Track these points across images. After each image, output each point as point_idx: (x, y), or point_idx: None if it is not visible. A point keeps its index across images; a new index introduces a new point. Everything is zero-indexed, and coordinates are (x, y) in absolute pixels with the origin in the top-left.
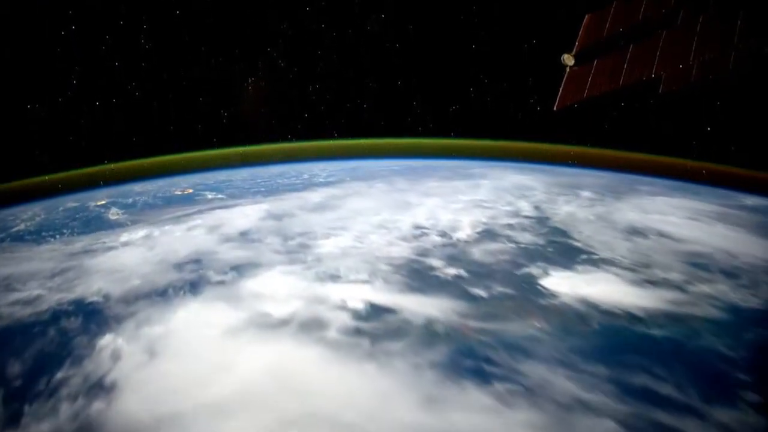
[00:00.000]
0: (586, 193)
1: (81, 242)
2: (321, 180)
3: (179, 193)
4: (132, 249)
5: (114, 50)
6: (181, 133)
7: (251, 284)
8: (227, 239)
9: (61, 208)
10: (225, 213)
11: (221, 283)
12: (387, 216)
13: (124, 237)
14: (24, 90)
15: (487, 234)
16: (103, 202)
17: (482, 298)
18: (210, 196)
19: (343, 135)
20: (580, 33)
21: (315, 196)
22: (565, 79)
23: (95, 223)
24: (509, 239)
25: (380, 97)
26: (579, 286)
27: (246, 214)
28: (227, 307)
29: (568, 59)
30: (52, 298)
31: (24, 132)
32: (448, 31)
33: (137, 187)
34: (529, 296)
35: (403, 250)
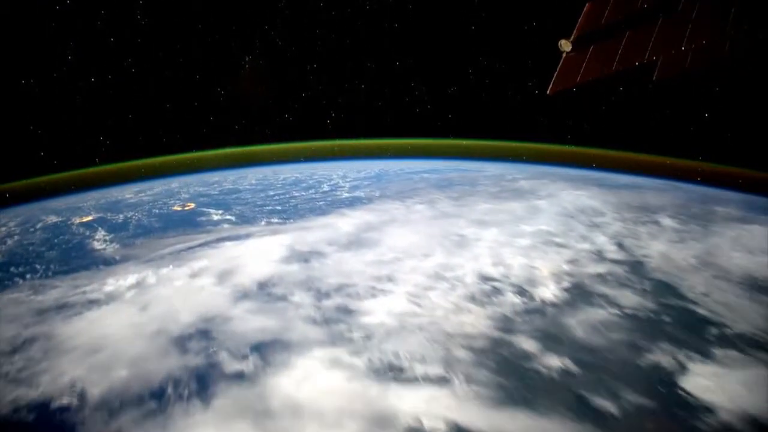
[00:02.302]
0: (666, 221)
1: (55, 290)
2: (345, 195)
3: (179, 209)
4: (119, 307)
5: (110, 26)
6: (181, 130)
7: (283, 384)
8: (243, 294)
9: (40, 224)
10: (237, 248)
11: (239, 377)
12: (442, 258)
13: (110, 284)
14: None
15: (578, 292)
16: (90, 218)
17: (612, 416)
18: (216, 217)
19: (344, 132)
20: (579, 20)
21: (345, 223)
22: (560, 64)
23: (76, 255)
24: (608, 301)
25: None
26: (738, 393)
27: (264, 252)
28: None
29: (566, 45)
30: (7, 396)
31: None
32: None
33: (130, 192)
34: (675, 411)
35: (478, 321)
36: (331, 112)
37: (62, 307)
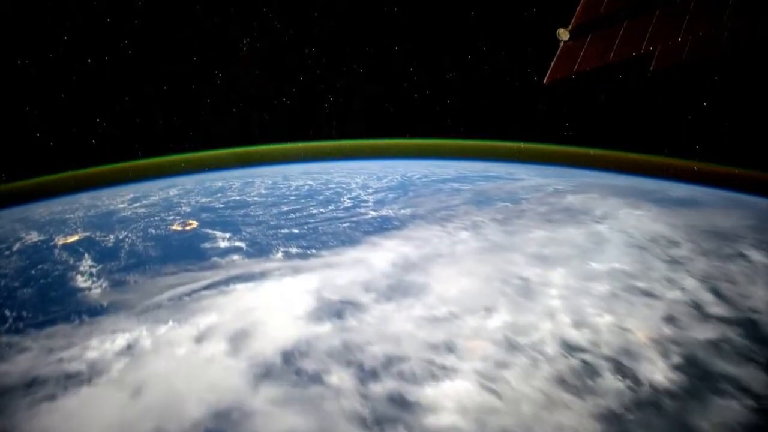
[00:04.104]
0: (753, 254)
1: (25, 354)
2: (372, 213)
3: (178, 228)
4: (104, 390)
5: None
6: (179, 114)
7: None
8: (264, 371)
9: (17, 245)
10: (251, 294)
11: None
12: (508, 315)
13: (94, 347)
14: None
15: (694, 372)
16: (76, 238)
17: None
18: (223, 243)
19: (344, 118)
20: (577, 9)
21: (379, 257)
22: (557, 53)
23: (55, 297)
24: (738, 387)
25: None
26: None
27: (285, 302)
28: None
29: (564, 34)
30: None
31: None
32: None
33: (124, 199)
34: None
35: (581, 422)
36: (329, 96)
37: (31, 385)
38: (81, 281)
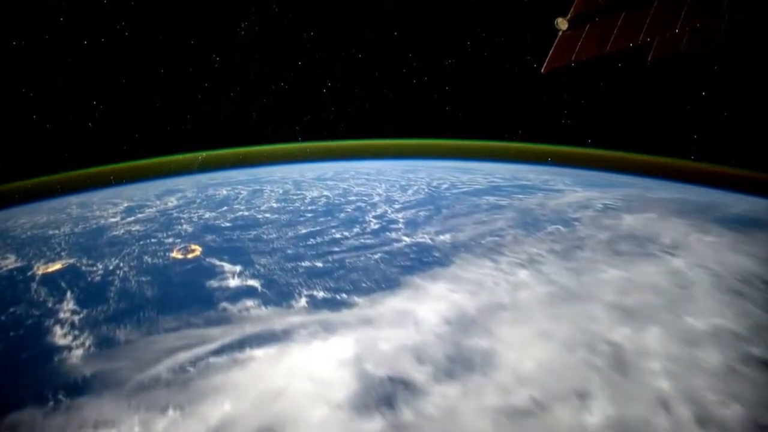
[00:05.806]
0: None
1: None
2: (405, 239)
3: (179, 256)
4: None
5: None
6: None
7: None
8: None
9: None
10: (273, 369)
11: None
12: (609, 405)
13: None
14: None
15: None
16: (59, 266)
17: None
18: (233, 281)
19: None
20: None
21: (426, 309)
22: (555, 42)
23: (26, 361)
24: None
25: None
26: None
27: (318, 381)
28: None
29: (562, 23)
30: None
31: None
32: None
33: (116, 212)
34: None
35: None
36: (328, 82)
37: None
38: (60, 335)
